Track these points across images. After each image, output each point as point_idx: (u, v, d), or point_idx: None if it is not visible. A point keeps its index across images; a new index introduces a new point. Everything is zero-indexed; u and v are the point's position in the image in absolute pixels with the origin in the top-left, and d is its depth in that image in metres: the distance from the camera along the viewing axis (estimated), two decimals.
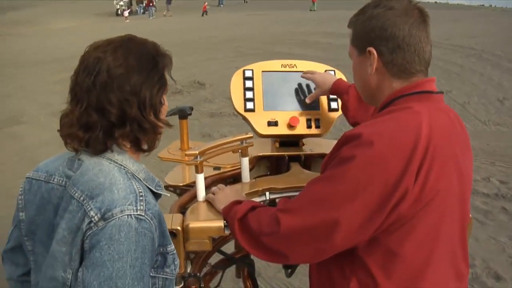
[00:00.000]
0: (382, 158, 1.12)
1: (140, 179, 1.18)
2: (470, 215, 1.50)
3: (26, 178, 1.25)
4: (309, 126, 1.92)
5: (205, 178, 1.66)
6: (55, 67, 12.19)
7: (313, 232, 1.18)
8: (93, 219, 1.07)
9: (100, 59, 1.14)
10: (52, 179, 1.20)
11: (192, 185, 1.74)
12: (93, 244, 1.05)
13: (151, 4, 33.08)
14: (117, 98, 1.12)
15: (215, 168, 1.90)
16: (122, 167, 1.17)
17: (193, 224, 1.46)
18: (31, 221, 1.21)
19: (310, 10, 27.28)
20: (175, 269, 1.22)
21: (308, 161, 1.97)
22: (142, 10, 36.78)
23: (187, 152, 1.61)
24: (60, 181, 1.18)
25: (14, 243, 1.29)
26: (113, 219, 1.06)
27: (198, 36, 15.35)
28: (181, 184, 1.82)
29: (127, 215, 1.07)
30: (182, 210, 1.60)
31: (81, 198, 1.11)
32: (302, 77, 1.95)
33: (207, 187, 1.67)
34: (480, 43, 11.67)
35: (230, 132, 6.14)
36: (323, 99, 1.96)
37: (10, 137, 6.69)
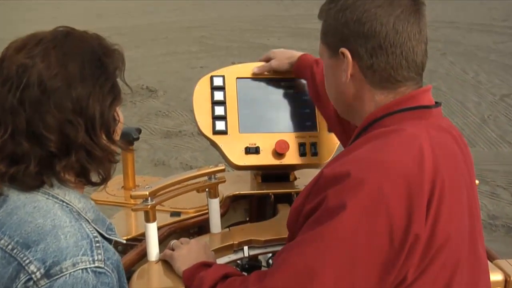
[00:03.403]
0: (380, 200, 1.17)
1: (88, 220, 1.22)
2: None
3: None
4: (302, 154, 1.98)
5: (159, 229, 1.70)
6: None
7: None
8: (33, 276, 1.08)
9: (27, 67, 1.16)
10: None
11: (141, 238, 1.78)
12: None
13: None
14: (56, 120, 1.15)
15: (173, 214, 1.95)
16: (64, 203, 1.20)
17: None
18: None
19: None
20: None
21: None
22: None
23: (134, 193, 1.65)
24: None
25: None
26: (63, 276, 1.08)
27: (148, 21, 15.39)
28: (125, 238, 1.85)
29: (82, 269, 1.10)
30: (127, 274, 1.63)
31: (10, 247, 1.13)
32: (260, 60, 2.09)
33: (162, 242, 1.71)
34: None
35: (194, 158, 6.17)
36: (322, 117, 2.03)
37: None
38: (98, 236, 1.19)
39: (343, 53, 1.33)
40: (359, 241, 1.17)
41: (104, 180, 1.27)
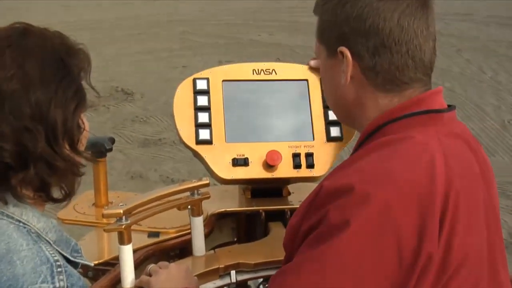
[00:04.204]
0: (388, 216, 1.19)
1: (49, 242, 1.22)
2: None
3: None
4: (297, 166, 1.99)
5: (135, 251, 1.71)
6: None
7: None
8: None
9: None
10: None
11: (114, 262, 1.78)
12: None
13: None
14: (12, 128, 1.16)
15: (151, 235, 1.95)
16: (21, 224, 1.20)
17: None
18: None
19: None
20: None
21: None
22: None
23: (106, 211, 1.66)
24: None
25: None
26: None
27: (123, 14, 15.38)
28: (96, 262, 1.86)
29: None
30: None
31: None
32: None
33: (138, 266, 1.72)
34: None
35: (175, 170, 6.17)
36: (318, 122, 2.05)
37: None
38: (61, 259, 1.19)
39: (342, 53, 1.34)
40: (364, 262, 1.19)
41: (67, 195, 1.28)
